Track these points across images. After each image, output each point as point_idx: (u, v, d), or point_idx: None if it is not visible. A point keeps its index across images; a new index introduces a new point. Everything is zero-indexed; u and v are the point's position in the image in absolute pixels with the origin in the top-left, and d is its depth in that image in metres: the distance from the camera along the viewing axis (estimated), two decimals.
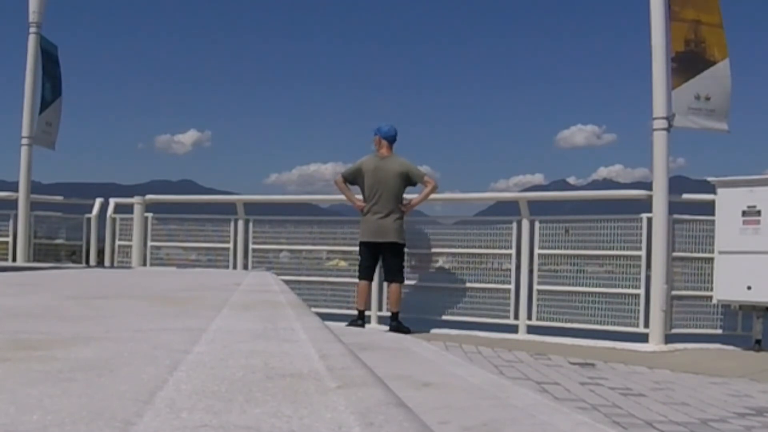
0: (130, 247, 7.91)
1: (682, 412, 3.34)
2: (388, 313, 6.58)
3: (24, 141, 7.71)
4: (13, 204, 7.86)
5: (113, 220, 8.13)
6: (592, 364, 4.84)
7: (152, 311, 1.44)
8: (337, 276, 7.32)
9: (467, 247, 6.88)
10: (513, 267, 6.69)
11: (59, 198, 8.84)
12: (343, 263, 7.44)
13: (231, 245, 7.59)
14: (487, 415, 1.93)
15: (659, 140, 5.97)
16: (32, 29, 7.66)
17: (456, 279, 6.90)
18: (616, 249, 6.24)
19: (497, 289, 6.68)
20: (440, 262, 7.18)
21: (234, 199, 8.09)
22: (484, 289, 6.71)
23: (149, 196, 8.05)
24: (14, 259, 7.69)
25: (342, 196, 6.80)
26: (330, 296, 7.19)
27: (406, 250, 6.55)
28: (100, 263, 8.10)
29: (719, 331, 6.13)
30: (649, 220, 6.06)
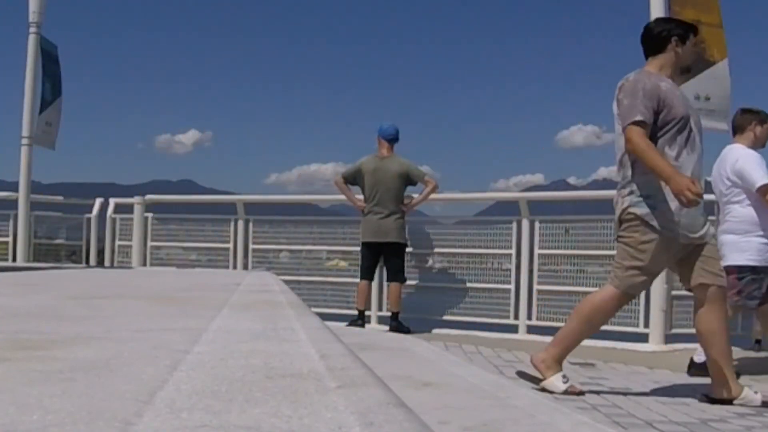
0: (130, 247, 7.91)
1: (682, 412, 3.34)
2: (388, 313, 6.58)
3: (24, 141, 7.71)
4: (13, 204, 7.86)
5: (113, 220, 8.13)
6: (592, 364, 4.84)
7: (152, 311, 1.44)
8: (337, 276, 7.32)
9: (467, 247, 6.87)
10: (513, 267, 6.68)
11: (59, 198, 8.86)
12: (343, 263, 7.44)
13: (231, 245, 7.58)
14: (487, 415, 1.93)
15: None
16: (32, 29, 7.65)
17: (456, 279, 6.89)
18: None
19: (497, 289, 6.67)
20: (440, 262, 7.18)
21: (234, 199, 8.08)
22: (484, 289, 6.71)
23: (149, 196, 8.05)
24: (14, 259, 7.69)
25: (342, 196, 6.80)
26: (330, 296, 7.19)
27: (407, 249, 6.56)
28: (100, 263, 8.11)
29: None
30: None
